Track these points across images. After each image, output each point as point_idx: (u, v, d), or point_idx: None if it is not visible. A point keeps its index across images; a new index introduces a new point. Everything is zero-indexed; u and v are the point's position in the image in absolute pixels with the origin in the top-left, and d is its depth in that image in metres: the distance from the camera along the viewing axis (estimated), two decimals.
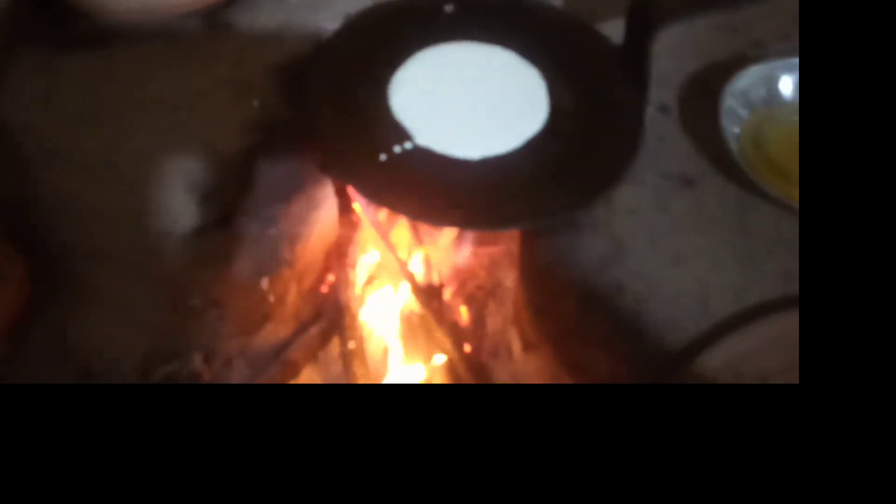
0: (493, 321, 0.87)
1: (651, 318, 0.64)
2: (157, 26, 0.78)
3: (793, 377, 0.60)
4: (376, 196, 0.69)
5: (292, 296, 0.82)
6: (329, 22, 0.82)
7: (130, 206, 0.72)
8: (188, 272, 0.74)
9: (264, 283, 0.77)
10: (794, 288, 0.64)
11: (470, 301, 0.89)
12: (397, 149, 0.71)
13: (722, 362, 0.62)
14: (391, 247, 0.85)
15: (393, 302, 0.89)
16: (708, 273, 0.66)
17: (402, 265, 0.84)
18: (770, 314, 0.63)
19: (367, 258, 0.91)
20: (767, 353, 0.62)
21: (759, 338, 0.62)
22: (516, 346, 0.82)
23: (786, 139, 0.75)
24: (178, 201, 0.71)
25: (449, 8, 0.81)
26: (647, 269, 0.66)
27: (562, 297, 0.68)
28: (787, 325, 0.62)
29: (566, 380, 0.72)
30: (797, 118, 0.76)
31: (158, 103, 0.74)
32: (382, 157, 0.70)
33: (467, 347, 0.85)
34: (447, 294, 0.88)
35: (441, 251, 0.90)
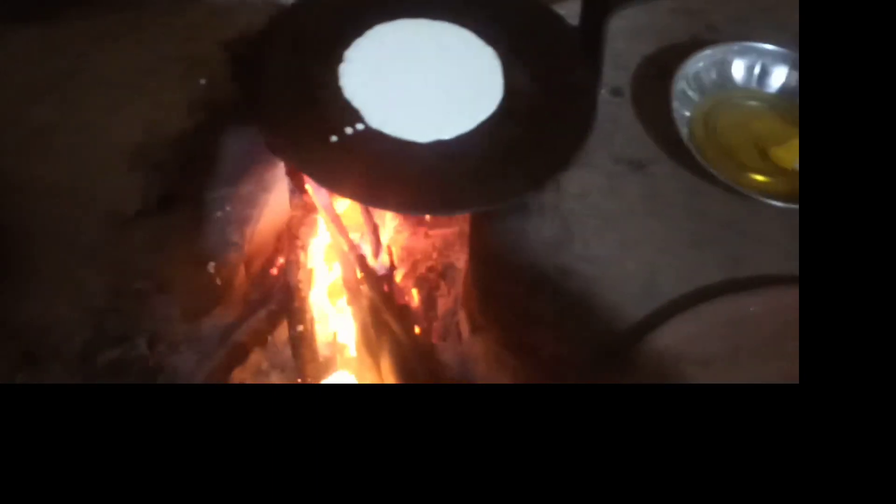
0: (444, 303, 0.87)
1: (598, 301, 0.64)
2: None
3: (735, 363, 0.61)
4: (326, 179, 0.68)
5: (240, 279, 0.80)
6: None
7: (74, 184, 0.70)
8: (133, 254, 0.72)
9: (211, 266, 0.75)
10: (742, 272, 0.65)
11: (421, 283, 0.89)
12: (349, 130, 0.70)
13: (665, 344, 0.62)
14: (342, 230, 0.84)
15: (343, 285, 0.88)
16: (656, 257, 0.66)
17: (353, 248, 0.83)
18: (714, 298, 0.63)
19: (318, 240, 0.90)
20: (711, 336, 0.63)
21: (704, 321, 0.63)
22: (465, 328, 0.82)
23: (736, 124, 0.75)
24: (122, 181, 0.69)
25: None
26: (595, 253, 0.66)
27: (510, 279, 0.68)
28: (731, 310, 0.63)
29: (511, 361, 0.72)
30: (748, 103, 0.77)
31: (105, 79, 0.72)
32: (333, 138, 0.69)
33: (417, 329, 0.84)
34: (399, 276, 0.87)
35: (393, 233, 0.90)
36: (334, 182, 0.67)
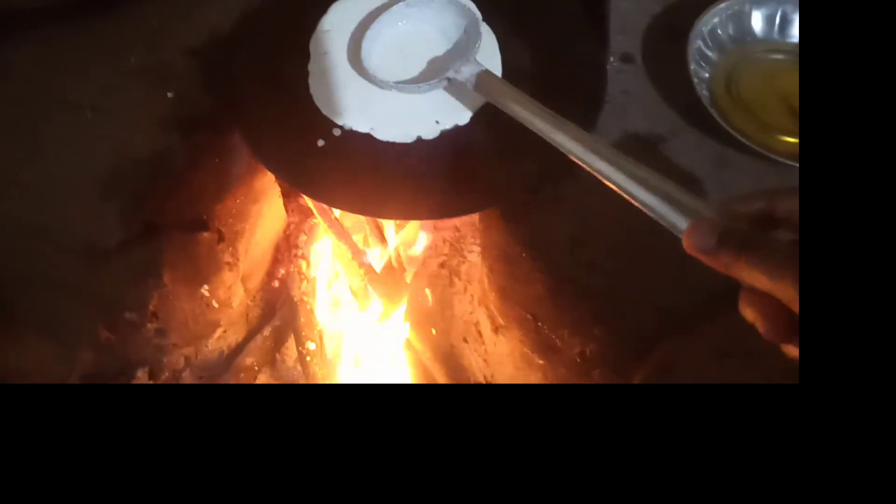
0: (460, 301, 0.81)
1: (624, 297, 0.58)
2: (58, 12, 0.69)
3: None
4: (320, 193, 0.61)
5: (239, 298, 0.75)
6: None
7: (43, 220, 0.64)
8: (119, 286, 0.67)
9: (204, 289, 0.70)
10: None
11: (434, 281, 0.83)
12: (336, 132, 0.63)
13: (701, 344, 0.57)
14: (343, 234, 0.78)
15: (350, 292, 0.82)
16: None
17: (356, 254, 0.77)
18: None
19: (320, 246, 0.84)
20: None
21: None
22: (486, 327, 0.76)
23: (759, 81, 0.68)
24: (96, 212, 0.63)
25: None
26: (618, 245, 0.59)
27: (529, 280, 0.62)
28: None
29: (537, 361, 0.67)
30: (771, 56, 0.70)
31: (61, 103, 0.66)
32: (320, 142, 0.63)
33: (434, 331, 0.79)
34: (409, 276, 0.81)
35: (400, 229, 0.84)
36: (324, 192, 0.61)
